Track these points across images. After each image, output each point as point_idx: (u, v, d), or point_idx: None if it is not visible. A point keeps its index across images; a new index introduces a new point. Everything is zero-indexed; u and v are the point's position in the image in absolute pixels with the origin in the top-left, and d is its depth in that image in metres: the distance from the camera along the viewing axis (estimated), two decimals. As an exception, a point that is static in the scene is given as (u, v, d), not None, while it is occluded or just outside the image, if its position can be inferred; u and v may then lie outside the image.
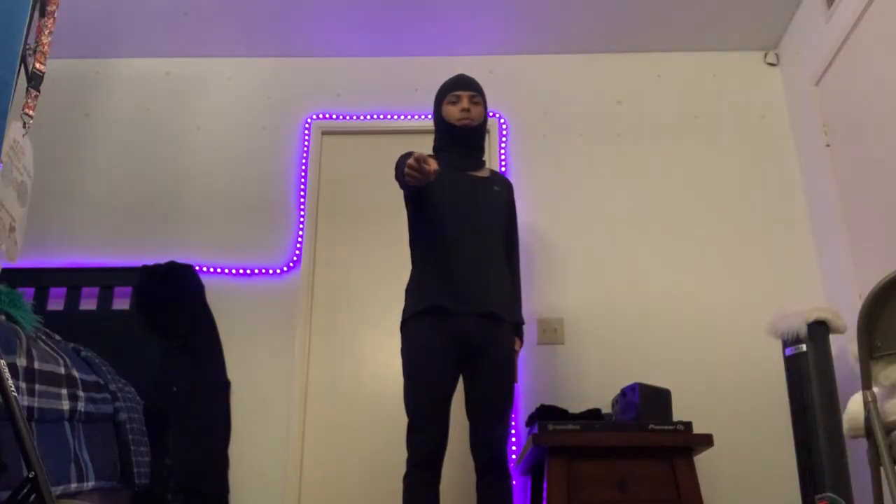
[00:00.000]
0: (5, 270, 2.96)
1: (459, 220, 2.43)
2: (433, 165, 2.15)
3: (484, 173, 2.58)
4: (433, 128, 2.66)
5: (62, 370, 2.28)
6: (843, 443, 2.52)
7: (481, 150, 2.62)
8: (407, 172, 2.17)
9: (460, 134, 2.54)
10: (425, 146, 3.46)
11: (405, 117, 3.64)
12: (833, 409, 2.56)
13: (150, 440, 2.79)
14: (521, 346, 2.57)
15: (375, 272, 3.40)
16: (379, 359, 3.27)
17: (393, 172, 3.01)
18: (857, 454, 2.71)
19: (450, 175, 2.51)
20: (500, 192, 2.55)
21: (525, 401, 3.13)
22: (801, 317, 2.66)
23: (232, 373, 3.20)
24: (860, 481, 2.75)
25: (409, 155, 2.42)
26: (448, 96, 2.57)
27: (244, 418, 3.15)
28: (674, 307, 3.28)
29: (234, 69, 3.78)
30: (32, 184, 1.99)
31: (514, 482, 2.63)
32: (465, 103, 2.53)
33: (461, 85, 2.57)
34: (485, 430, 2.30)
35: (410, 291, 2.43)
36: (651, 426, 2.39)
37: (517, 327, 2.53)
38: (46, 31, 1.94)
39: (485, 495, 2.28)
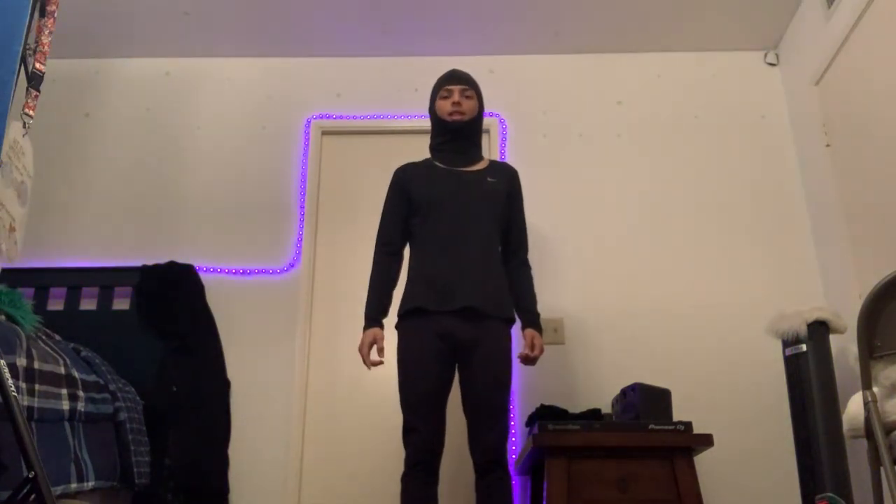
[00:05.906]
0: (5, 270, 2.96)
1: (441, 219, 2.43)
2: (375, 361, 2.39)
3: (479, 166, 2.56)
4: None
5: (62, 370, 2.28)
6: (843, 443, 2.53)
7: (477, 144, 2.60)
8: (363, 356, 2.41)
9: (451, 129, 2.54)
10: (425, 146, 3.45)
11: (405, 117, 3.64)
12: (833, 409, 2.56)
13: (150, 440, 2.79)
14: (539, 339, 2.43)
15: (375, 272, 3.40)
16: (379, 359, 3.26)
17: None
18: (857, 454, 2.71)
19: (438, 174, 2.52)
20: (494, 183, 2.50)
21: (525, 401, 3.13)
22: (801, 317, 2.66)
23: (232, 373, 3.20)
24: (860, 481, 2.75)
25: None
26: (440, 91, 2.57)
27: (244, 418, 3.15)
28: (674, 307, 3.28)
29: (234, 69, 3.78)
30: (32, 184, 1.99)
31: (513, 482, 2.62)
32: (455, 97, 2.52)
33: (452, 79, 2.57)
34: (481, 430, 2.29)
35: (403, 294, 2.45)
36: (651, 426, 2.39)
37: (531, 319, 2.46)
38: (46, 31, 1.94)
39: (484, 496, 2.27)
